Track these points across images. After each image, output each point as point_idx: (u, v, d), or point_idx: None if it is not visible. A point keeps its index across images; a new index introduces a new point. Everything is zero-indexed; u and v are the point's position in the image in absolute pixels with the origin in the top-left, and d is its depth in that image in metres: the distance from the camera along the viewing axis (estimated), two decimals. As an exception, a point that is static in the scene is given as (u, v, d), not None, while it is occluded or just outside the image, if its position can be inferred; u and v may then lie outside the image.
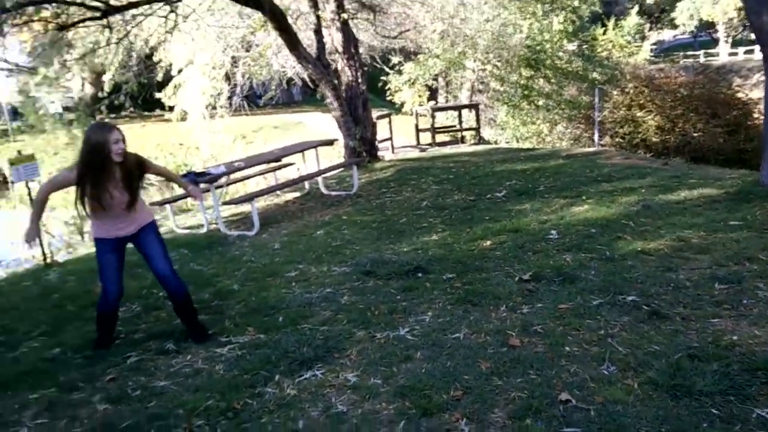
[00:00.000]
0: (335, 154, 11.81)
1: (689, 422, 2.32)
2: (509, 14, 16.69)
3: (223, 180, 7.34)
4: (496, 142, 17.16)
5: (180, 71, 14.44)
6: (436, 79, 20.53)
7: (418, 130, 13.95)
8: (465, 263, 4.47)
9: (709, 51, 37.72)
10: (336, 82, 10.23)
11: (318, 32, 10.23)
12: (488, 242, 4.93)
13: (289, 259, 5.19)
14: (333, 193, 8.31)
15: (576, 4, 18.22)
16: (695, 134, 12.55)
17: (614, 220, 5.15)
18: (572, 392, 2.60)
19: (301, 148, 8.45)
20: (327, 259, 5.07)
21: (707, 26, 41.50)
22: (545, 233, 4.99)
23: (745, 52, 32.48)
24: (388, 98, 18.93)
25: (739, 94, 14.64)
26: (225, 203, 7.60)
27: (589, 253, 4.37)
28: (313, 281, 4.51)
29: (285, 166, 8.62)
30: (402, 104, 18.43)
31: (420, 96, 18.70)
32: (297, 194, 8.64)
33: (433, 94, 21.89)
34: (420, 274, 4.34)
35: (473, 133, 14.22)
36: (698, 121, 12.83)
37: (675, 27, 44.72)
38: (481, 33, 15.63)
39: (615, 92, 14.37)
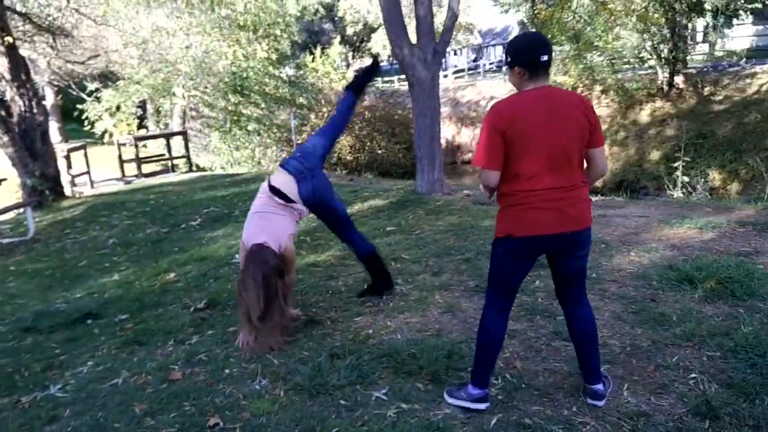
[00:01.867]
0: (15, 196, 10.31)
1: (320, 416, 2.58)
2: (212, 41, 16.74)
3: None
4: (211, 169, 16.97)
5: None
6: (142, 107, 19.44)
7: (122, 161, 13.05)
8: (143, 301, 4.30)
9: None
10: (4, 113, 8.98)
11: (-26, 57, 8.87)
12: (172, 275, 4.83)
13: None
14: (4, 240, 7.23)
15: (278, 33, 19.10)
16: (380, 151, 14.20)
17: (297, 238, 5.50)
18: (223, 415, 2.68)
19: (-44, 192, 7.19)
20: (-21, 320, 4.37)
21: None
22: (230, 258, 5.08)
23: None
24: (86, 128, 17.30)
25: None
26: None
27: (267, 273, 4.58)
28: (-47, 350, 3.84)
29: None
30: (104, 133, 17.02)
31: (128, 124, 17.51)
32: (-43, 247, 7.30)
33: (142, 121, 20.65)
34: (90, 321, 4.03)
35: (184, 161, 13.86)
36: (382, 139, 14.56)
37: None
38: (183, 59, 15.34)
39: (312, 116, 15.46)
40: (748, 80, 18.18)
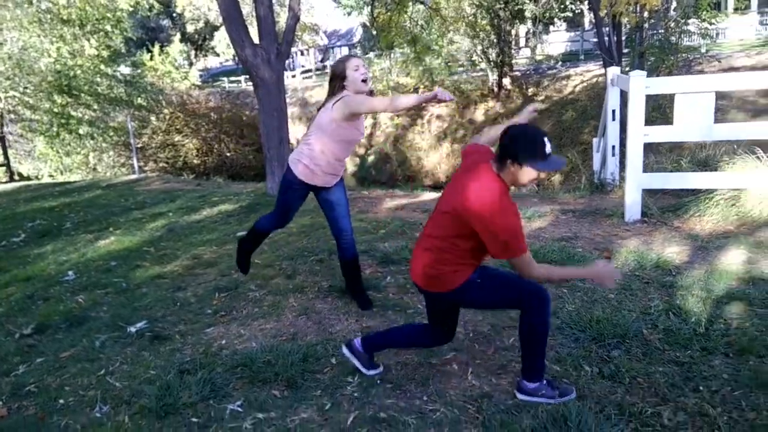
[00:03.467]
0: None
1: (170, 438, 2.45)
2: (30, 37, 15.05)
3: None
4: (37, 177, 15.29)
5: None
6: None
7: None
8: (-48, 333, 3.75)
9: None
10: None
11: None
12: (-10, 299, 4.28)
13: None
14: None
15: (108, 29, 17.65)
16: (228, 154, 13.81)
17: (137, 248, 5.16)
18: (58, 449, 2.44)
19: None
20: None
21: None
22: (62, 276, 4.63)
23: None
24: None
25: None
26: None
27: (105, 289, 4.25)
28: None
29: None
30: None
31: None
32: None
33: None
34: None
35: (4, 169, 12.33)
36: (230, 142, 14.15)
37: (217, 54, 48.29)
38: (-3, 56, 13.63)
39: (152, 118, 14.58)
40: (564, 82, 20.37)
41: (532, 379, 2.60)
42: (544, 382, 2.60)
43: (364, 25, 35.80)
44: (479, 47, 20.17)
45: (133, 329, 3.48)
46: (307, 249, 4.82)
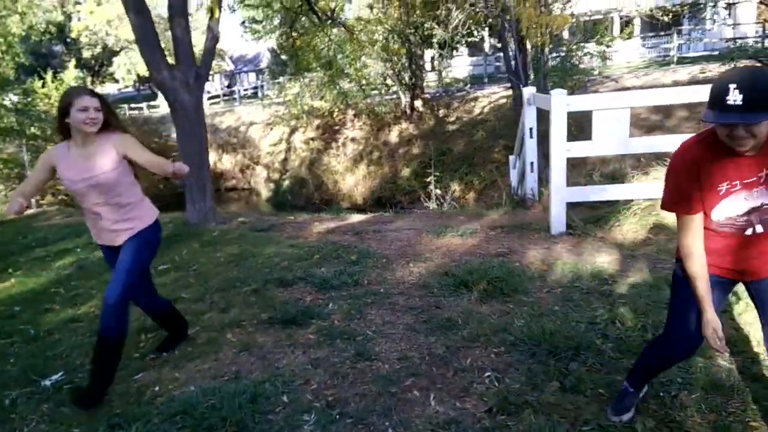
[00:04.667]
0: None
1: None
2: None
3: None
4: None
5: None
6: None
7: None
8: None
9: (152, 103, 40.41)
10: None
11: None
12: None
13: None
14: None
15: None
16: (138, 183, 13.04)
17: (44, 290, 4.65)
18: None
19: None
20: None
21: (145, 80, 44.30)
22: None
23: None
24: None
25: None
26: None
27: (10, 338, 3.76)
28: None
29: None
30: None
31: None
32: None
33: None
34: None
35: None
36: (138, 171, 13.39)
37: (116, 81, 46.07)
38: None
39: (49, 146, 13.53)
40: (472, 103, 21.06)
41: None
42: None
43: (272, 50, 35.47)
44: (392, 71, 20.52)
45: (48, 382, 3.07)
46: (239, 279, 4.53)
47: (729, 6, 21.92)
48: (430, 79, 26.32)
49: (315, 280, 4.34)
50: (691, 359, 2.86)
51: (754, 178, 1.95)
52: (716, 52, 20.74)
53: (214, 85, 44.07)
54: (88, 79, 44.66)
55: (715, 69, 16.55)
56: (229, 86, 42.58)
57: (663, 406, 2.55)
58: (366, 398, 2.76)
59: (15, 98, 17.73)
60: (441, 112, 21.22)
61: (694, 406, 2.53)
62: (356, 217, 7.27)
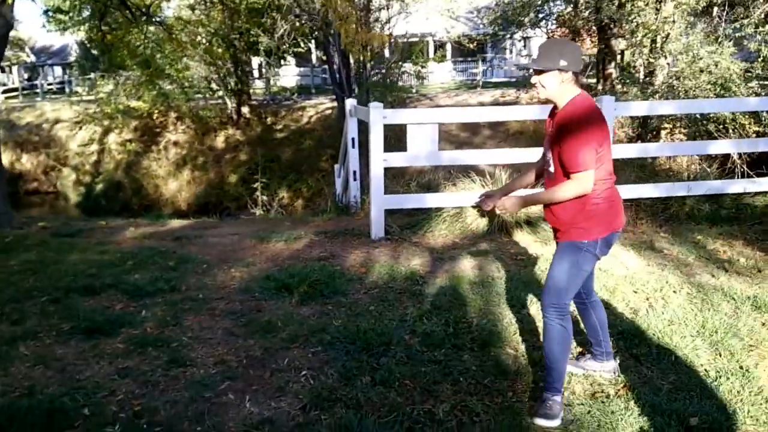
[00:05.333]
0: None
1: None
2: None
3: None
4: None
5: None
6: None
7: None
8: None
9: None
10: None
11: None
12: None
13: None
14: None
15: None
16: None
17: None
18: None
19: None
20: None
21: None
22: None
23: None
24: None
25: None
26: None
27: None
28: None
29: None
30: None
31: None
32: None
33: None
34: None
35: None
36: None
37: None
38: None
39: None
40: (299, 112, 21.27)
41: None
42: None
43: (81, 43, 32.34)
44: (216, 75, 19.91)
45: None
46: (37, 288, 4.10)
47: (524, 39, 24.92)
48: (258, 86, 26.03)
49: (127, 288, 4.09)
50: (483, 349, 3.24)
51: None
52: (514, 79, 23.44)
53: (11, 77, 39.00)
54: None
55: (513, 94, 18.68)
56: (29, 79, 37.87)
57: (459, 391, 2.85)
58: (177, 405, 2.69)
59: None
60: (269, 120, 21.11)
61: (485, 390, 2.87)
62: (177, 223, 6.97)
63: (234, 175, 18.68)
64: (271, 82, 24.39)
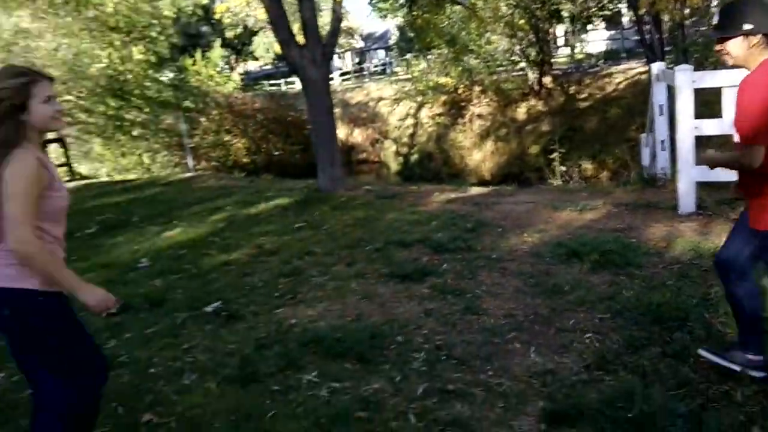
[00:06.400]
0: None
1: (255, 403, 2.65)
2: (81, 43, 15.72)
3: None
4: (96, 177, 15.94)
5: None
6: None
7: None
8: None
9: (289, 80, 42.77)
10: None
11: None
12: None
13: None
14: None
15: (154, 35, 18.23)
16: (276, 153, 14.19)
17: (202, 238, 5.44)
18: (155, 411, 2.66)
19: None
20: None
21: (282, 58, 46.81)
22: (136, 263, 4.93)
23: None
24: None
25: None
26: None
27: (178, 274, 4.51)
28: None
29: None
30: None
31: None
32: None
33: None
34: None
35: (66, 169, 12.96)
36: (277, 141, 14.55)
37: (256, 59, 49.19)
38: (52, 62, 14.29)
39: (202, 119, 15.07)
40: (606, 80, 20.08)
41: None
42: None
43: (400, 27, 36.00)
44: (518, 47, 20.10)
45: (209, 309, 3.72)
46: (364, 239, 5.00)
47: None
48: (562, 54, 25.37)
49: (432, 244, 4.68)
50: None
51: None
52: None
53: (344, 62, 45.54)
54: (232, 58, 48.17)
55: None
56: (359, 63, 43.82)
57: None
58: (471, 345, 3.06)
59: (170, 75, 19.78)
60: (572, 89, 20.49)
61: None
62: (477, 190, 7.50)
63: (535, 146, 18.78)
64: (577, 49, 23.51)
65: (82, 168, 15.21)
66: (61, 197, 1.94)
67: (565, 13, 17.98)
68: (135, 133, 16.47)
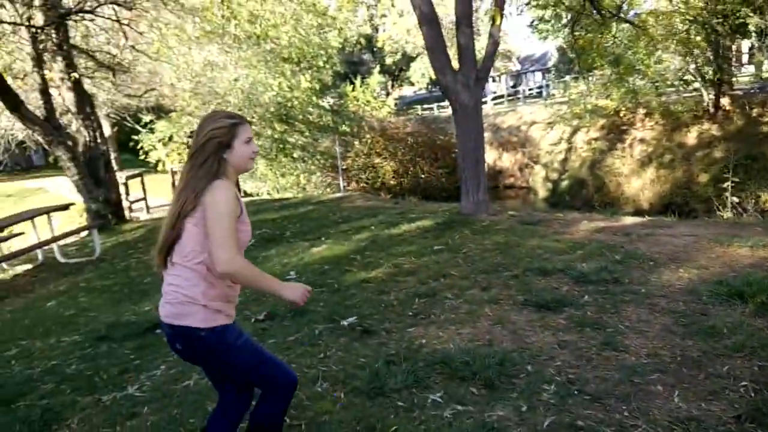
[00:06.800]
0: (79, 220, 10.92)
1: (380, 416, 2.74)
2: (258, 74, 17.41)
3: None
4: (258, 194, 17.49)
5: None
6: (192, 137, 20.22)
7: (175, 188, 13.68)
8: (205, 313, 4.54)
9: (441, 104, 43.54)
10: (71, 143, 9.59)
11: (45, 92, 9.52)
12: (231, 290, 5.08)
13: (9, 337, 4.69)
14: (72, 260, 7.69)
15: (321, 64, 19.65)
16: (423, 176, 14.49)
17: (345, 255, 5.72)
18: (288, 413, 2.86)
19: (29, 215, 7.68)
20: (56, 330, 4.71)
21: (435, 83, 47.80)
22: (285, 274, 5.32)
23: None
24: (140, 157, 18.13)
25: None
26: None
27: (321, 288, 4.80)
28: (37, 356, 4.16)
29: (9, 237, 7.75)
30: (158, 162, 17.79)
31: (179, 153, 18.24)
32: (28, 266, 7.79)
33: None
34: (159, 331, 4.28)
35: (233, 187, 14.40)
36: (425, 164, 14.86)
37: (412, 84, 50.77)
38: (232, 91, 16.01)
39: (356, 142, 15.87)
40: (798, 100, 17.76)
41: None
42: None
43: (560, 49, 35.00)
44: (693, 65, 18.51)
45: (345, 323, 3.91)
46: (502, 265, 4.93)
47: None
48: (745, 72, 22.93)
49: (574, 273, 4.49)
50: None
51: None
52: None
53: (499, 86, 45.30)
54: (389, 83, 50.22)
55: None
56: (514, 86, 43.35)
57: None
58: (607, 382, 2.89)
59: (331, 101, 21.13)
60: (754, 112, 18.40)
61: None
62: (630, 220, 7.04)
63: (705, 174, 17.11)
64: (764, 66, 21.09)
65: (247, 185, 16.74)
66: (246, 232, 2.11)
67: (751, 27, 16.21)
68: (295, 155, 17.81)
